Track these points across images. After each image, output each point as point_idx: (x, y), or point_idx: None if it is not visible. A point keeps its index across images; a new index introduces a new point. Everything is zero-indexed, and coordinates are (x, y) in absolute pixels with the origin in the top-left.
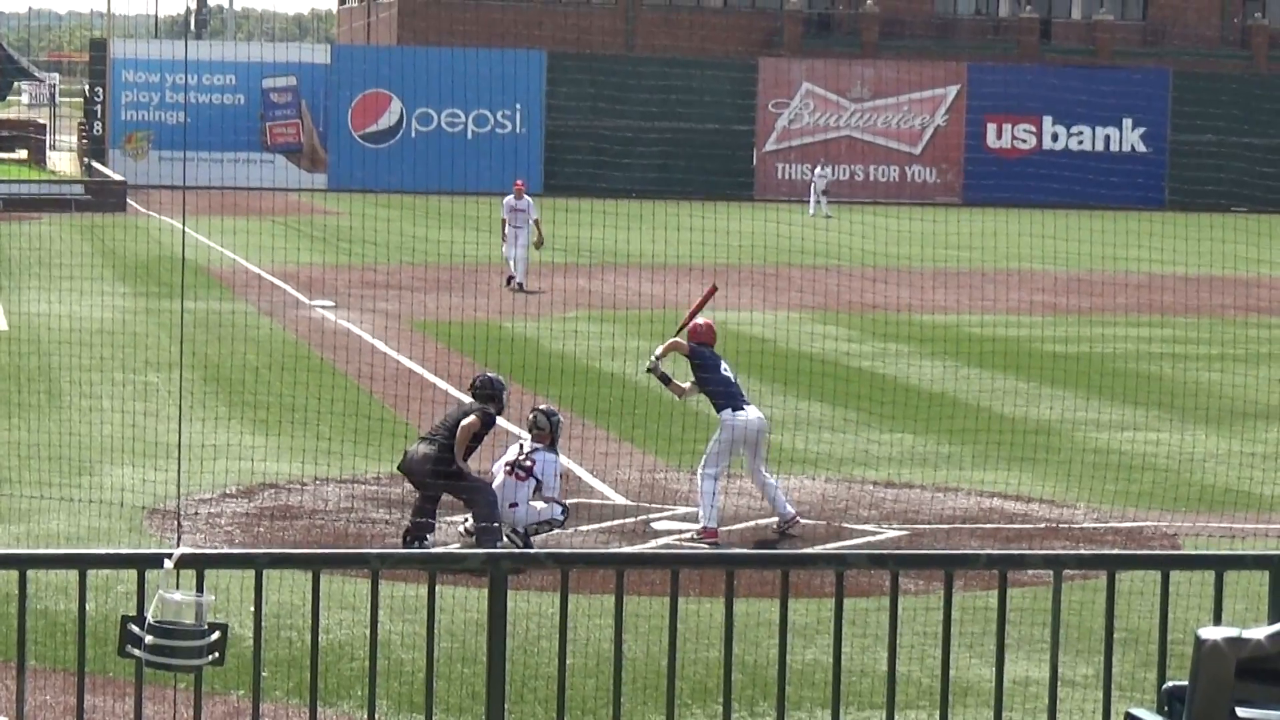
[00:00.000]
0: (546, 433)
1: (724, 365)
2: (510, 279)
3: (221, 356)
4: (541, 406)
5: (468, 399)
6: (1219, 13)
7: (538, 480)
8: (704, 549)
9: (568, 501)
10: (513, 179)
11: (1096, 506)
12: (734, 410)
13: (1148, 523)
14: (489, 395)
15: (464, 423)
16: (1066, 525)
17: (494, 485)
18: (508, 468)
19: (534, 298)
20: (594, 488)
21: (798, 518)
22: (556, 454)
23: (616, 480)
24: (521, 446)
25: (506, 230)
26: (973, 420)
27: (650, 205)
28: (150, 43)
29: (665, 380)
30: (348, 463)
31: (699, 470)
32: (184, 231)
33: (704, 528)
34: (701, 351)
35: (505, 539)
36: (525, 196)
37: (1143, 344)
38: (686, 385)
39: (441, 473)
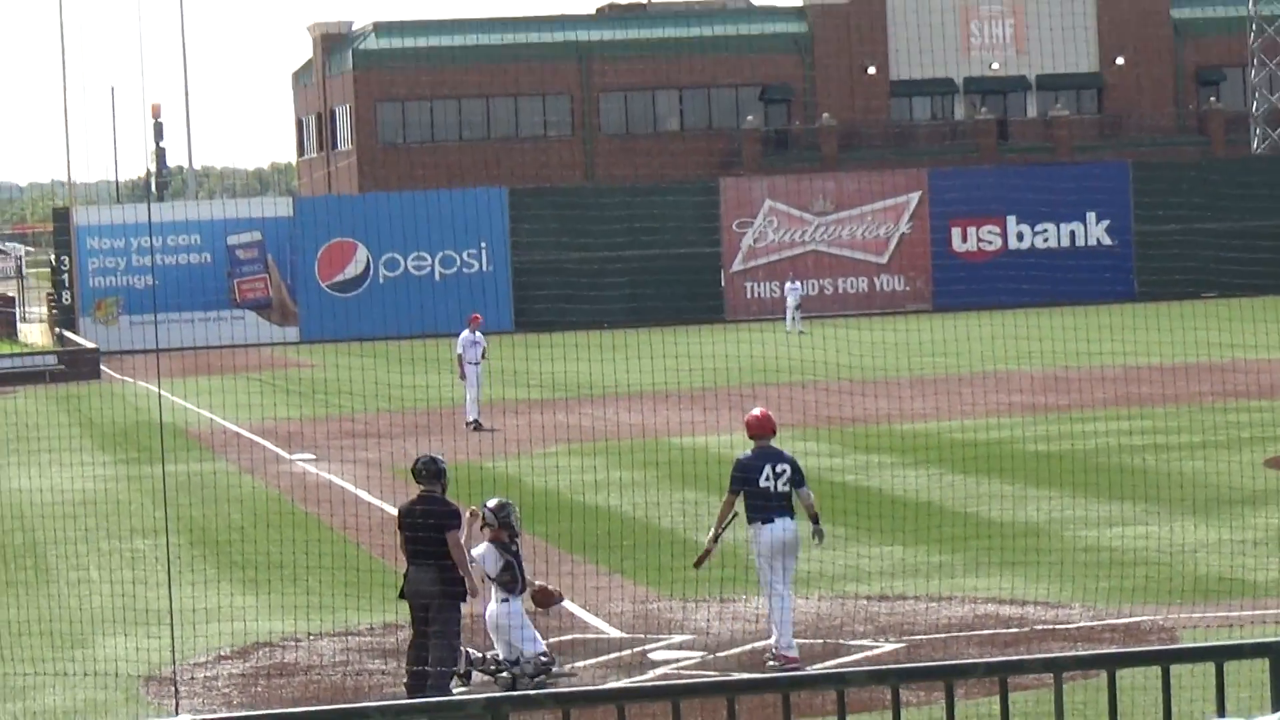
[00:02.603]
0: (496, 528)
1: (765, 472)
2: (475, 422)
3: (206, 518)
4: (489, 503)
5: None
6: (1173, 101)
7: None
8: (708, 677)
9: (543, 645)
10: (484, 317)
11: (1092, 605)
12: (763, 523)
13: (1144, 617)
14: (433, 474)
15: (450, 537)
16: (1064, 626)
17: (488, 614)
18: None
19: (512, 435)
20: (588, 622)
21: (799, 663)
22: (514, 543)
23: (610, 613)
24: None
25: (466, 368)
26: (961, 527)
27: (622, 334)
28: (113, 208)
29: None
30: (340, 615)
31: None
32: (159, 395)
33: (778, 653)
34: (744, 462)
35: (508, 673)
36: (479, 331)
37: (1124, 437)
38: (710, 541)
39: (451, 593)
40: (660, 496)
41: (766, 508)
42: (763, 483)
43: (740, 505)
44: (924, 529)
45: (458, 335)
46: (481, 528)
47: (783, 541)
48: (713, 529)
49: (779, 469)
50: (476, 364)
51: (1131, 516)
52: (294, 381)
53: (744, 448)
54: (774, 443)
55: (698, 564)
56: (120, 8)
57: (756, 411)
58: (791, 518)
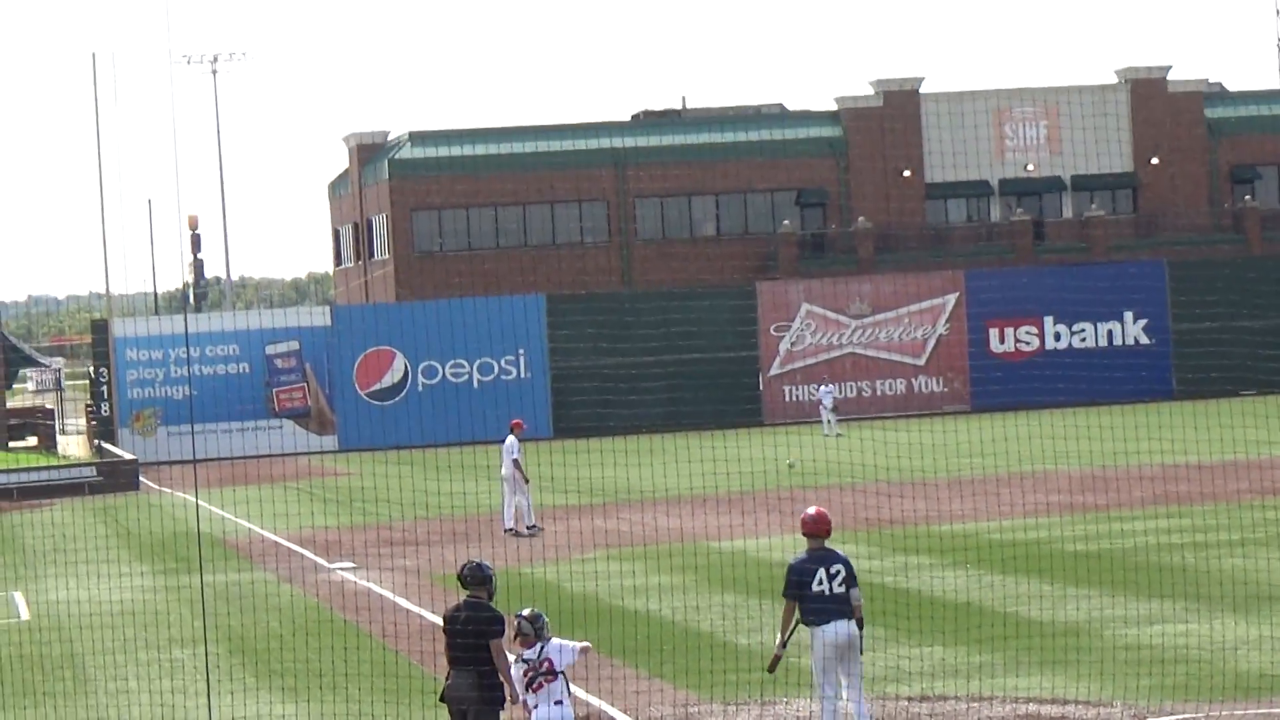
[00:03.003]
0: (532, 637)
1: (819, 576)
2: (526, 528)
3: (245, 627)
4: (524, 613)
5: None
6: (1208, 199)
7: (563, 674)
8: None
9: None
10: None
11: (1133, 703)
12: (817, 625)
13: (1186, 715)
14: (480, 580)
15: (494, 645)
16: None
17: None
18: (530, 685)
19: (550, 540)
20: None
21: None
22: (554, 639)
23: (651, 718)
24: (520, 658)
25: (517, 474)
26: (1002, 627)
27: (660, 439)
28: (150, 319)
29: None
30: None
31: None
32: (197, 505)
33: None
34: (796, 566)
35: None
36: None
37: (1163, 535)
38: (779, 648)
39: (490, 699)
40: (700, 600)
41: (821, 611)
42: (815, 587)
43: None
44: (964, 629)
45: (504, 442)
46: (515, 637)
47: (835, 645)
48: (778, 636)
49: (833, 570)
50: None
51: (1172, 614)
52: (332, 490)
53: (782, 550)
54: (828, 543)
55: (771, 668)
56: (156, 120)
57: (812, 511)
58: (848, 620)
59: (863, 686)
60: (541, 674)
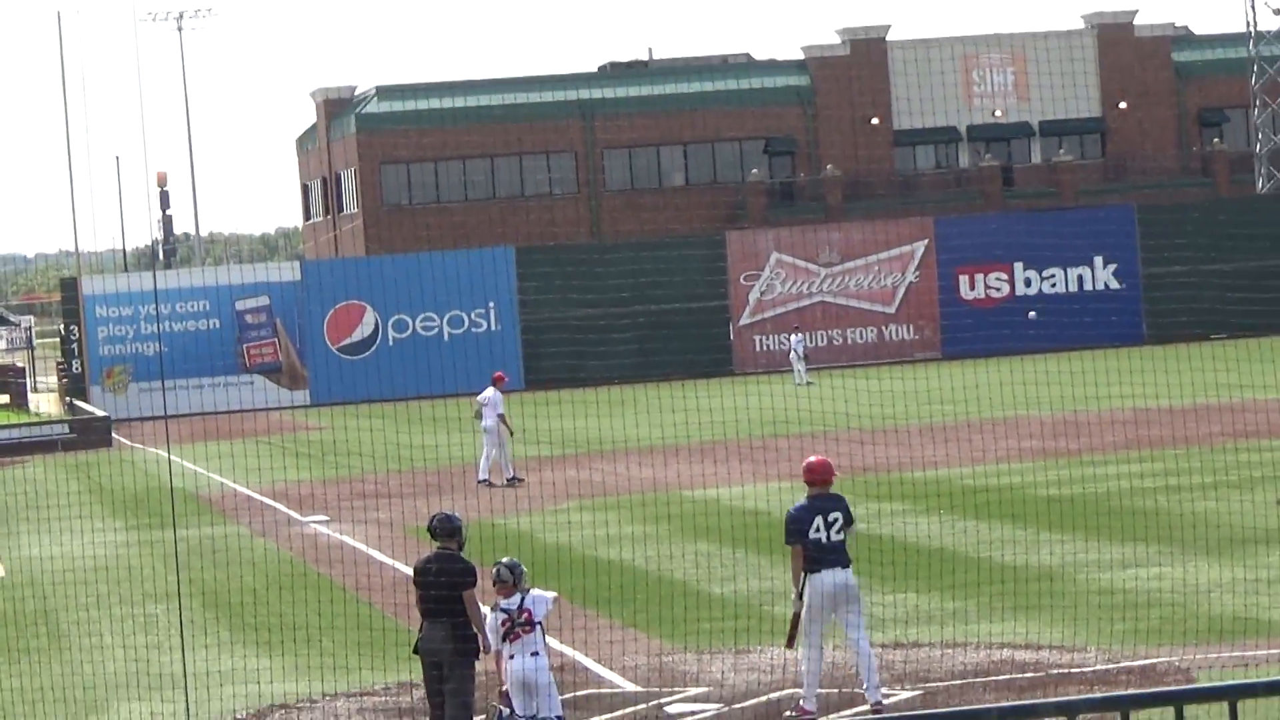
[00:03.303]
0: (511, 584)
1: (816, 524)
2: (512, 478)
3: (220, 581)
4: (504, 560)
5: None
6: (1176, 143)
7: (540, 625)
8: None
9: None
10: (492, 376)
11: (1107, 648)
12: (811, 573)
13: (1160, 659)
14: (449, 531)
15: (466, 595)
16: (1079, 669)
17: (512, 674)
18: (508, 636)
19: (523, 491)
20: (603, 677)
21: (813, 715)
22: (533, 590)
23: (624, 667)
24: (497, 606)
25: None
26: (975, 573)
27: (631, 390)
28: (120, 276)
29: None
30: (355, 676)
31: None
32: (170, 461)
33: (798, 705)
34: (794, 514)
35: None
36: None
37: (1136, 480)
38: (796, 601)
39: (465, 650)
40: (673, 549)
41: (817, 559)
42: (813, 534)
43: None
44: (937, 575)
45: (484, 394)
46: (494, 584)
47: (830, 593)
48: (793, 590)
49: (831, 518)
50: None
51: (1145, 558)
52: (305, 444)
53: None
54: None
55: (791, 631)
56: (123, 77)
57: (813, 459)
58: (844, 567)
59: (864, 625)
60: (520, 624)
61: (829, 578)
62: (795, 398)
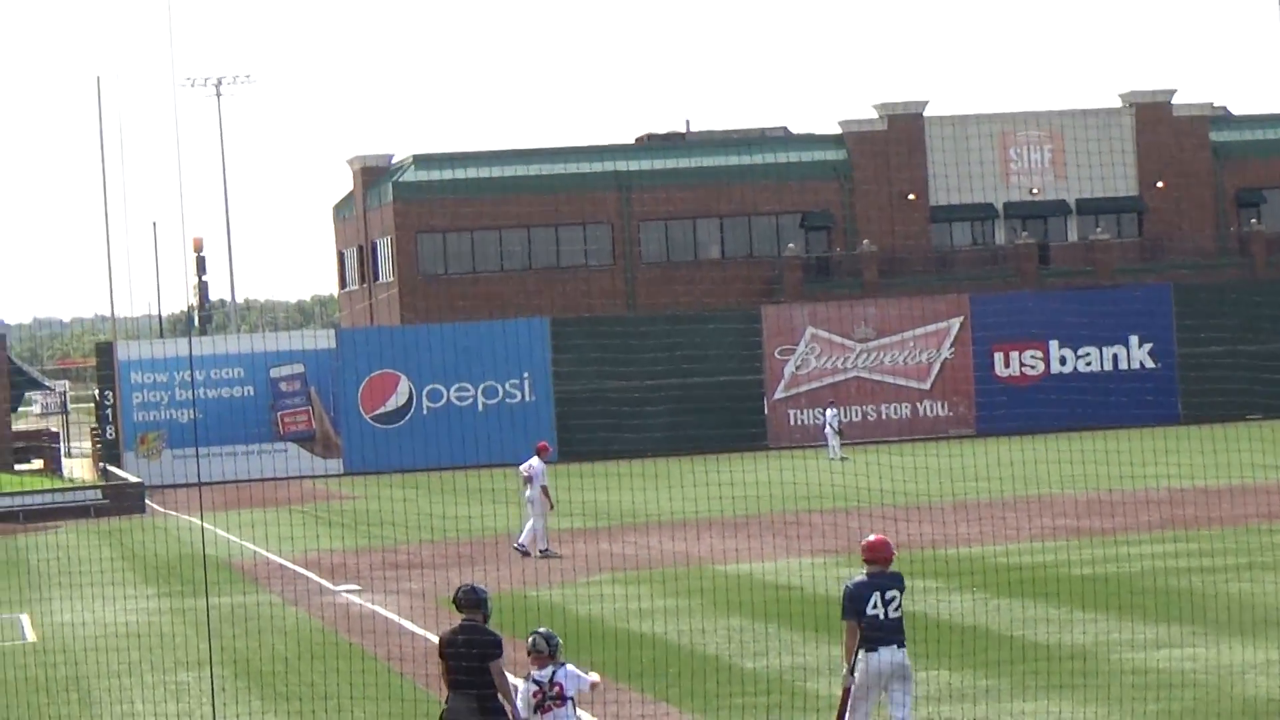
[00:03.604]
0: (547, 655)
1: (873, 600)
2: (545, 550)
3: (251, 649)
4: (540, 630)
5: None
6: (1214, 223)
7: (572, 700)
8: None
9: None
10: (527, 447)
11: None
12: (867, 651)
13: None
14: (475, 603)
15: (494, 666)
16: None
17: None
18: (539, 708)
19: (556, 564)
20: None
21: None
22: (567, 665)
23: None
24: (530, 677)
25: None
26: (1008, 651)
27: (665, 463)
28: (155, 342)
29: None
30: None
31: None
32: (203, 528)
33: None
34: (851, 590)
35: None
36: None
37: (1170, 559)
38: (847, 676)
39: None
40: (705, 624)
41: (872, 636)
42: (870, 610)
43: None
44: (970, 653)
45: (525, 463)
46: (529, 654)
47: (886, 672)
48: (844, 665)
49: (889, 596)
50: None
51: (1179, 639)
52: (337, 513)
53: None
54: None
55: (842, 707)
56: (161, 143)
57: (873, 537)
58: (900, 645)
59: (911, 706)
60: (551, 698)
61: (885, 656)
62: (829, 473)
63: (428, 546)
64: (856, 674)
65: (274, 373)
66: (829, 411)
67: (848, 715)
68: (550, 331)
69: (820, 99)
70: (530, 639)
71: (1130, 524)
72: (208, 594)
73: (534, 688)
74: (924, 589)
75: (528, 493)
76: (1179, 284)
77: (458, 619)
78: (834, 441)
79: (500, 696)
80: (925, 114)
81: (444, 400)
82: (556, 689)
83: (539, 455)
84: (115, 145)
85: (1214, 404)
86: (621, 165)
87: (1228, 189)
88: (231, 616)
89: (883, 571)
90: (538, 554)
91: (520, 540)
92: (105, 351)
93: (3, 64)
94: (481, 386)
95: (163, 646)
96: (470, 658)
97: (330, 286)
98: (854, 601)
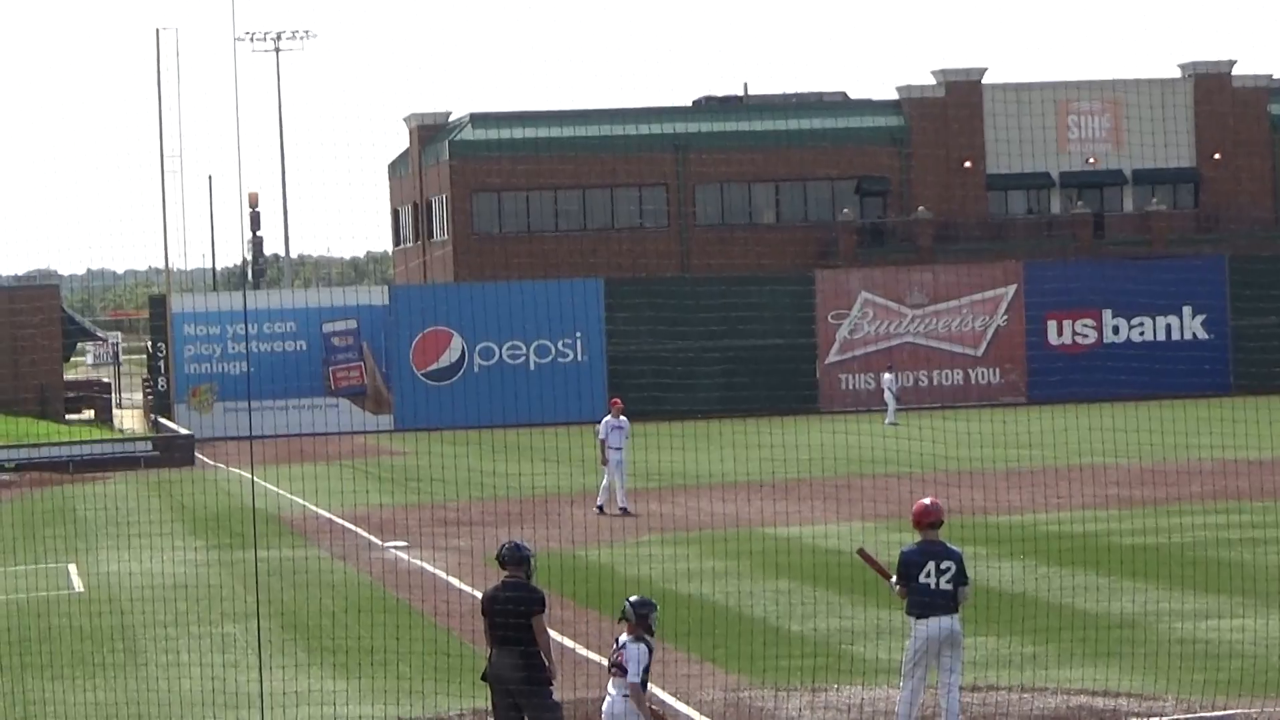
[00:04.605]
0: (633, 623)
1: (928, 569)
2: (620, 507)
3: (298, 603)
4: (630, 598)
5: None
6: (1271, 194)
7: (624, 670)
8: None
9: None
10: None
11: (1185, 698)
12: (918, 618)
13: (1238, 710)
14: (518, 560)
15: (536, 621)
16: (1156, 718)
17: (607, 707)
18: (612, 673)
19: (605, 524)
20: (679, 710)
21: None
22: (647, 643)
23: (700, 701)
24: (617, 641)
25: (608, 453)
26: (1054, 618)
27: (716, 424)
28: (209, 295)
29: (871, 562)
30: (430, 701)
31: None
32: (253, 481)
33: None
34: (907, 556)
35: None
36: (623, 416)
37: (1220, 531)
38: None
39: (536, 679)
40: (753, 586)
41: (925, 604)
42: (922, 579)
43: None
44: (1017, 620)
45: (599, 421)
46: (619, 620)
47: (937, 638)
48: (890, 584)
49: (944, 566)
50: (618, 449)
51: (1226, 609)
52: (387, 469)
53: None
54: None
55: (875, 568)
56: (219, 98)
57: (927, 501)
58: (951, 615)
59: (959, 681)
60: (614, 664)
61: (935, 624)
62: (880, 437)
63: (476, 504)
64: (912, 640)
65: (327, 328)
66: (886, 376)
67: (901, 684)
68: (604, 291)
69: (878, 65)
70: (623, 606)
71: (1180, 494)
72: (255, 547)
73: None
74: (973, 555)
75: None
76: (1234, 256)
77: (502, 576)
78: (892, 405)
79: (542, 652)
80: (984, 81)
81: (496, 358)
82: (619, 656)
83: (616, 411)
84: (172, 99)
85: (1266, 375)
86: (679, 127)
87: None
88: (279, 570)
89: (934, 537)
90: (617, 510)
91: (621, 501)
92: (158, 303)
93: (62, 15)
94: (534, 345)
95: (209, 599)
96: (513, 614)
97: (385, 244)
98: (908, 568)
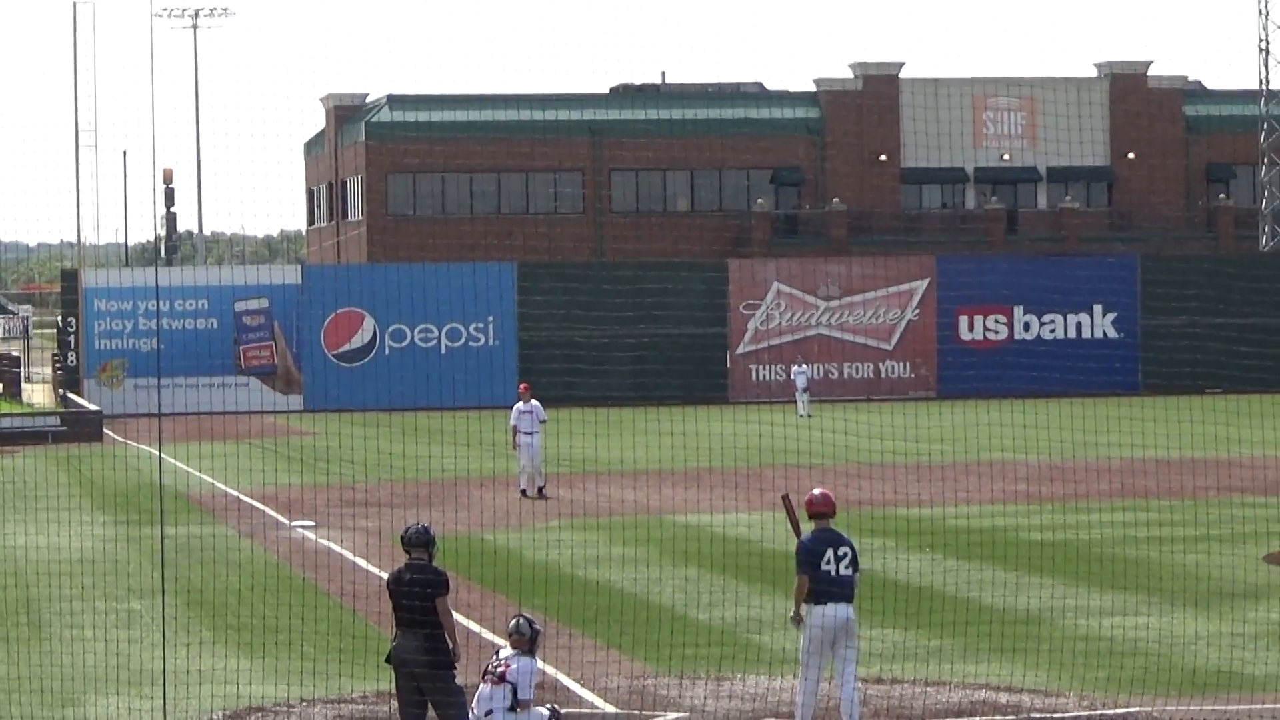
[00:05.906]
0: (526, 639)
1: (827, 556)
2: (537, 488)
3: (204, 581)
4: (525, 614)
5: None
6: (1183, 195)
7: (513, 685)
8: None
9: (555, 708)
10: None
11: (1086, 694)
12: (815, 604)
13: (1139, 708)
14: (423, 542)
15: (439, 603)
16: (1058, 715)
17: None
18: (483, 674)
19: (514, 508)
20: (582, 697)
21: None
22: (534, 660)
23: (604, 688)
24: (498, 652)
25: (519, 438)
26: (959, 612)
27: (627, 412)
28: (121, 271)
29: (790, 514)
30: (333, 682)
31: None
32: (160, 458)
33: None
34: (807, 545)
35: None
36: (533, 399)
37: (1125, 529)
38: (794, 620)
39: (439, 662)
40: (659, 573)
41: (824, 591)
42: (824, 566)
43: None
44: (921, 613)
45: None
46: (509, 634)
47: (831, 627)
48: (792, 609)
49: (841, 552)
50: (530, 433)
51: (1129, 607)
52: (296, 449)
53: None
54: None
55: (791, 521)
56: (135, 73)
57: (817, 492)
58: (848, 604)
59: (855, 671)
60: (492, 671)
61: (832, 611)
62: (787, 428)
63: (385, 486)
64: (809, 628)
65: (238, 306)
66: (795, 368)
67: (800, 674)
68: (518, 275)
69: (796, 56)
70: (514, 621)
71: (1087, 492)
72: (162, 524)
73: (494, 655)
74: (879, 548)
75: (532, 435)
76: (1145, 255)
77: (407, 558)
78: (802, 398)
79: (446, 634)
80: (900, 75)
81: (407, 340)
82: (502, 668)
83: (520, 397)
84: (89, 73)
85: (1175, 375)
86: (595, 114)
87: (1198, 163)
88: (186, 547)
89: (829, 527)
90: (535, 492)
91: (530, 485)
92: (70, 278)
93: None
94: (446, 328)
95: (115, 574)
96: (417, 595)
97: (298, 223)
98: (810, 555)
